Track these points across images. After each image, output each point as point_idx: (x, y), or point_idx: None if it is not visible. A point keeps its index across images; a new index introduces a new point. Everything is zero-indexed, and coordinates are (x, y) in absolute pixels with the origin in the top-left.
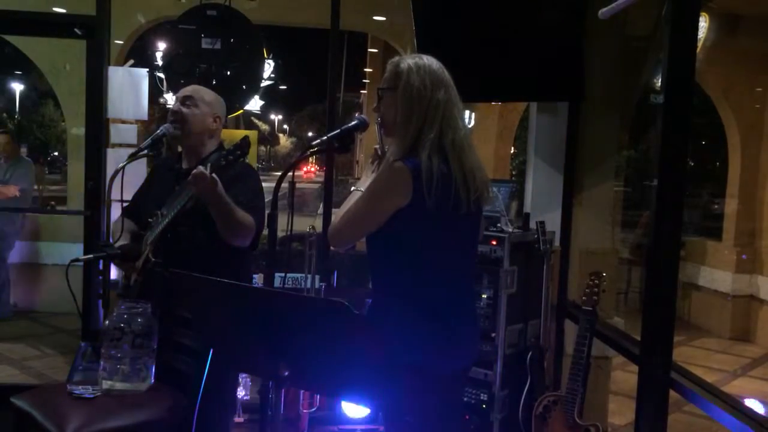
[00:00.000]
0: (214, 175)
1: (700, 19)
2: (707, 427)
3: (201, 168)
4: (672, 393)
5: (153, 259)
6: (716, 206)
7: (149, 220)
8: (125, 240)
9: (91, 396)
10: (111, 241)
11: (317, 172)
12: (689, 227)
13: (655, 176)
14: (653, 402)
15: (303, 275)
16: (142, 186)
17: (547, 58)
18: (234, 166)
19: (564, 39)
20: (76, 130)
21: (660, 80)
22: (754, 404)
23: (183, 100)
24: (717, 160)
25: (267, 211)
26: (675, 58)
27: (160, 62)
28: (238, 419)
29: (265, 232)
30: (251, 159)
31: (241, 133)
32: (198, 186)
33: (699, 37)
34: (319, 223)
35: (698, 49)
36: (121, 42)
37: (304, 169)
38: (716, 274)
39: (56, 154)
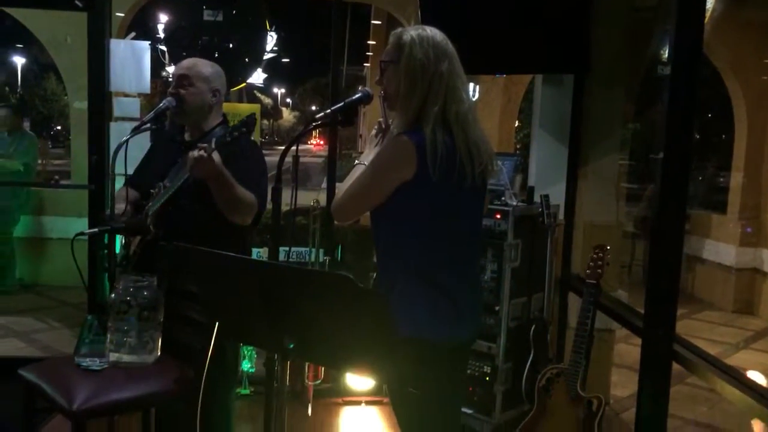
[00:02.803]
0: (215, 154)
1: None
2: (709, 398)
3: (200, 152)
4: (675, 365)
5: (153, 231)
6: (721, 179)
7: (151, 191)
8: (129, 210)
9: (99, 368)
10: (114, 212)
11: (324, 146)
12: (694, 200)
13: (661, 149)
14: (656, 374)
15: (307, 249)
16: (145, 156)
17: (552, 30)
18: (238, 142)
19: (569, 10)
20: (79, 103)
21: (667, 51)
22: (756, 376)
23: (179, 81)
24: (723, 132)
25: (271, 185)
26: (682, 29)
27: (161, 35)
28: (243, 391)
29: (270, 206)
30: (255, 133)
31: (244, 107)
32: (198, 169)
33: (707, 7)
34: (323, 197)
35: (706, 20)
36: (122, 14)
37: (313, 142)
38: (720, 247)
39: (59, 128)
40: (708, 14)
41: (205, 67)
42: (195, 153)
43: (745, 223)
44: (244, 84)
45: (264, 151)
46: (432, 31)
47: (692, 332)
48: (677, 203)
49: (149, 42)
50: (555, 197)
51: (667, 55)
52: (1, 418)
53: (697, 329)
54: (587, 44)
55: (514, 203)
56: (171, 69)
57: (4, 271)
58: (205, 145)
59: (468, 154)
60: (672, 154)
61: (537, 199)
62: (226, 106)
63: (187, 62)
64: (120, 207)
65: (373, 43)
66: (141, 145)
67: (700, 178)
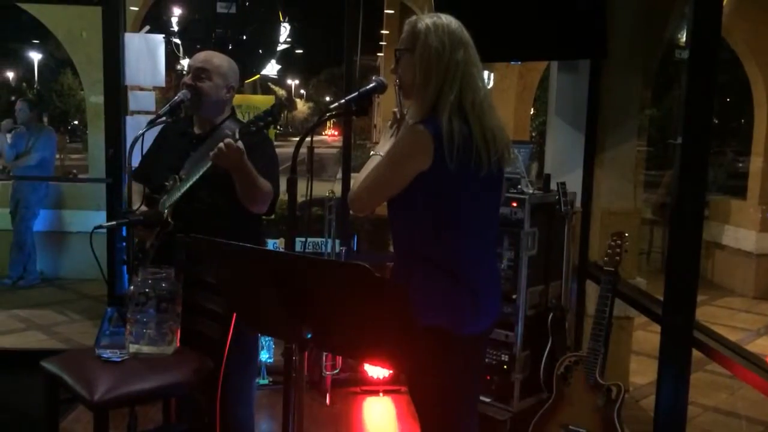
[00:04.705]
0: (240, 143)
1: None
2: (730, 385)
3: (229, 140)
4: (695, 352)
5: (172, 223)
6: (741, 164)
7: (165, 183)
8: (140, 204)
9: (119, 359)
10: (131, 205)
11: (339, 137)
12: (713, 186)
13: (679, 134)
14: (676, 361)
15: (323, 239)
16: (150, 149)
17: (568, 15)
18: (253, 133)
19: None
20: (95, 98)
21: (685, 35)
22: None
23: (197, 73)
24: (742, 117)
25: (287, 176)
26: (700, 12)
27: (175, 28)
28: (262, 381)
29: (285, 197)
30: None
31: (258, 98)
32: (224, 160)
33: None
34: (338, 188)
35: (725, 3)
36: (136, 8)
37: (328, 132)
38: (740, 233)
39: (76, 122)
40: None
41: (222, 62)
42: (222, 144)
43: (766, 209)
44: (258, 76)
45: (278, 143)
46: (447, 19)
47: (712, 319)
48: (696, 189)
49: (163, 35)
50: (572, 185)
51: (684, 39)
52: (25, 409)
53: (717, 316)
54: (603, 29)
55: (531, 191)
56: (185, 62)
57: (26, 264)
58: (229, 135)
59: (484, 143)
60: (691, 139)
61: (553, 186)
62: (241, 98)
63: (205, 55)
64: (135, 202)
65: (387, 32)
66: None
67: (720, 163)
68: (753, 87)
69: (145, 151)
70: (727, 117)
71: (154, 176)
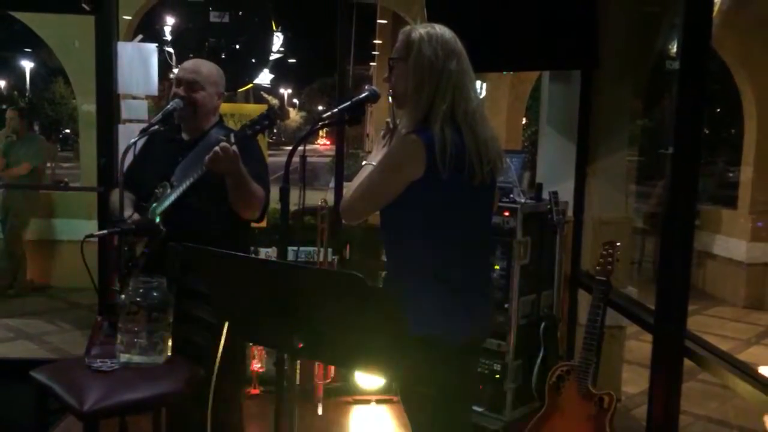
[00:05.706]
0: (235, 148)
1: None
2: (721, 395)
3: (225, 144)
4: (686, 361)
5: (164, 230)
6: (731, 174)
7: (156, 190)
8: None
9: (110, 369)
10: (123, 213)
11: (331, 146)
12: (704, 195)
13: (671, 144)
14: (667, 370)
15: (316, 248)
16: (137, 157)
17: (559, 26)
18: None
19: (577, 5)
20: (87, 106)
21: (676, 46)
22: None
23: (190, 85)
24: (733, 127)
25: (279, 185)
26: (691, 23)
27: (168, 37)
28: (254, 391)
29: (278, 206)
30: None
31: (250, 107)
32: (220, 164)
33: (715, 1)
34: (330, 197)
35: (714, 14)
36: (129, 17)
37: (320, 141)
38: (731, 243)
39: (68, 131)
40: (716, 8)
41: (211, 69)
42: (218, 148)
43: (756, 218)
44: (251, 85)
45: (271, 152)
46: (441, 29)
47: (703, 328)
48: (687, 198)
49: (156, 44)
50: (564, 194)
51: (675, 50)
52: (14, 419)
53: (708, 325)
54: (595, 40)
55: (523, 200)
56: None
57: (16, 273)
58: (224, 138)
59: (477, 152)
60: (682, 150)
61: (546, 196)
62: (233, 107)
63: (193, 65)
64: (127, 211)
65: (380, 42)
66: None
67: (711, 173)
68: (743, 97)
69: (132, 161)
70: (717, 127)
71: (145, 183)
